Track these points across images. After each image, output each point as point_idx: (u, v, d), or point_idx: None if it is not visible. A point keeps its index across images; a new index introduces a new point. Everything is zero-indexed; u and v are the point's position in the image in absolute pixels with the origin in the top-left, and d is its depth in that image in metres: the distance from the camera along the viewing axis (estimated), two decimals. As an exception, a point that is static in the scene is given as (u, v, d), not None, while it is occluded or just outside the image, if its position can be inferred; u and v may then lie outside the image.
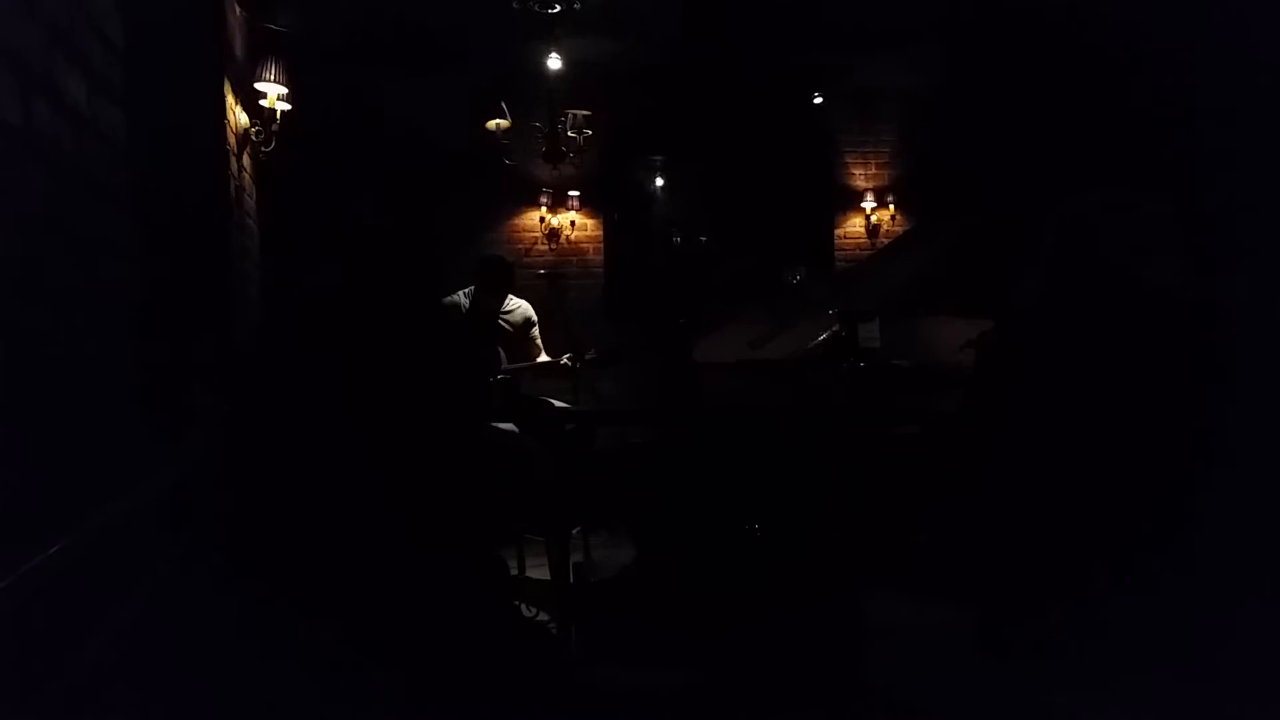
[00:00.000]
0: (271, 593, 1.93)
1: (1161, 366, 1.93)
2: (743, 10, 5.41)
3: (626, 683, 2.72)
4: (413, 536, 2.07)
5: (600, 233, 6.95)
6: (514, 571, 3.69)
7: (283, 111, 4.39)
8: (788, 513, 3.24)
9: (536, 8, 4.70)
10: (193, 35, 3.40)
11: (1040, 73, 5.55)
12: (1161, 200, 2.19)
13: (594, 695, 2.64)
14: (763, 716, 2.55)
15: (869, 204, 7.19)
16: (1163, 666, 1.74)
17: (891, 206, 7.20)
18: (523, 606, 3.25)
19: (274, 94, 4.31)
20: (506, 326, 4.69)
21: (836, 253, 7.25)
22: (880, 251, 6.05)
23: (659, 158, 7.22)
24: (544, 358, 4.76)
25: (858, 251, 7.16)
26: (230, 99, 3.89)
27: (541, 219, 6.78)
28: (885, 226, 7.18)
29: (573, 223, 6.83)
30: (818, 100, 6.85)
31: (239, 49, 4.16)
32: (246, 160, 4.25)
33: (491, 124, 5.40)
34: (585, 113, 5.36)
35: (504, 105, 5.34)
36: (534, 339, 4.80)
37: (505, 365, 4.48)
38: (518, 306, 4.78)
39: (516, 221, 6.83)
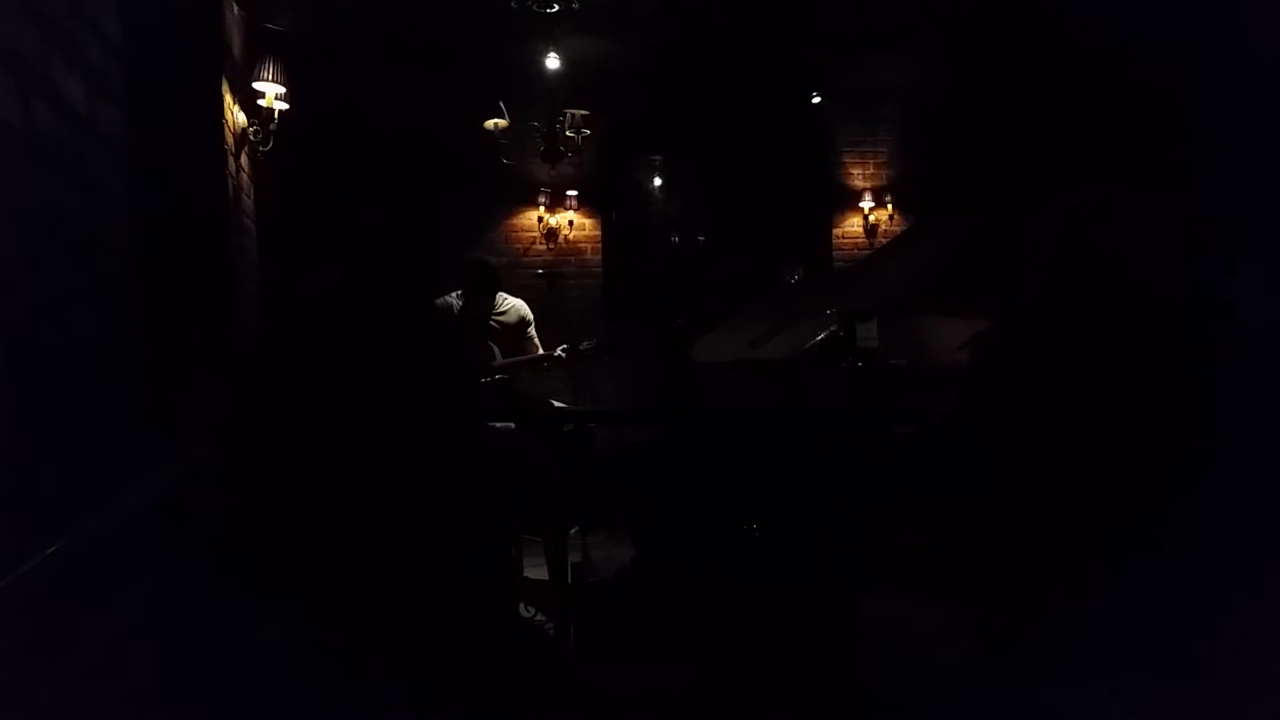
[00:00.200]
0: (270, 592, 1.94)
1: (1159, 365, 1.93)
2: (742, 10, 5.40)
3: (625, 683, 2.72)
4: (411, 536, 2.07)
5: (599, 232, 6.95)
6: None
7: (281, 111, 4.38)
8: (786, 512, 3.24)
9: (535, 7, 4.68)
10: (191, 35, 3.40)
11: (1039, 72, 5.55)
12: (1158, 199, 2.19)
13: (592, 695, 2.65)
14: (761, 716, 2.55)
15: (867, 203, 7.19)
16: (1162, 666, 1.74)
17: (889, 206, 7.20)
18: (521, 606, 3.25)
19: (272, 93, 4.31)
20: (498, 326, 4.69)
21: (834, 252, 7.25)
22: (878, 251, 6.05)
23: (657, 157, 7.22)
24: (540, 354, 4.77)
25: (856, 251, 7.16)
26: (228, 98, 3.89)
27: (540, 219, 6.78)
28: (883, 226, 7.19)
29: (571, 222, 6.83)
30: (816, 100, 6.86)
31: (237, 48, 4.15)
32: (245, 160, 4.25)
33: (490, 123, 5.40)
34: (583, 112, 5.34)
35: (502, 105, 5.33)
36: (531, 338, 4.80)
37: (498, 361, 4.49)
38: (511, 306, 4.78)
39: (515, 221, 6.83)
